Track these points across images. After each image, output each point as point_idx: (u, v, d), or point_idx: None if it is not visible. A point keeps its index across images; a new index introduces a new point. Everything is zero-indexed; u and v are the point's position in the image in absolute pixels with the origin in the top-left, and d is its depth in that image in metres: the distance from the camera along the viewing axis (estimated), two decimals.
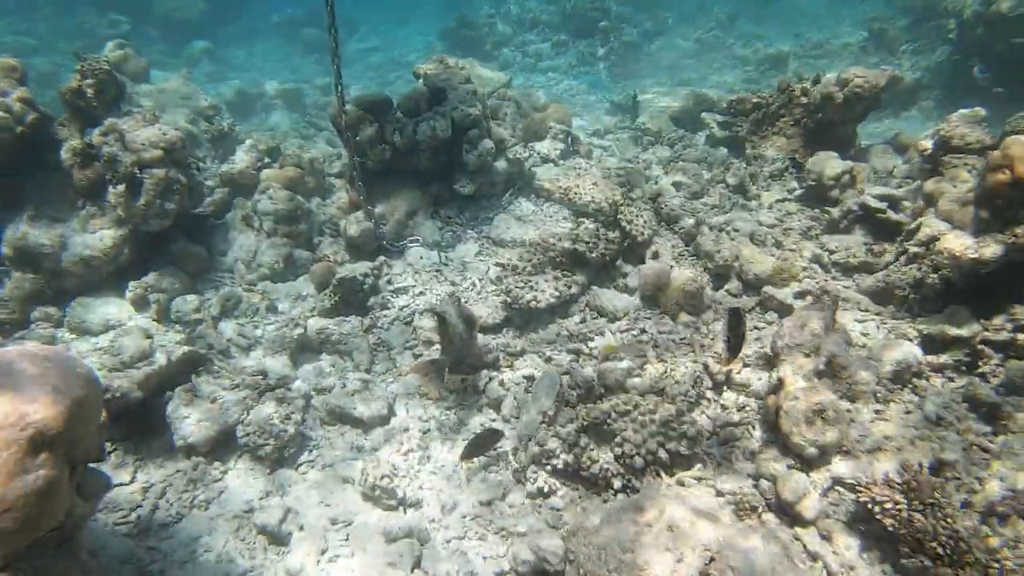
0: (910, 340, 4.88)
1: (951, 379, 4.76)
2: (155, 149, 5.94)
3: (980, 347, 4.65)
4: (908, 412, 4.51)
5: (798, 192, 7.03)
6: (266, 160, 7.59)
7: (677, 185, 7.24)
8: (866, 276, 5.80)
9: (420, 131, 6.76)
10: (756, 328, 5.55)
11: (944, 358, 4.76)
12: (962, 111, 6.19)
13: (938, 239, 5.16)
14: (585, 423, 4.75)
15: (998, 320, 4.63)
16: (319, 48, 18.80)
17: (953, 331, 4.68)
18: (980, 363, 4.67)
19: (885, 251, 5.86)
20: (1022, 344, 4.50)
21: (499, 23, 16.96)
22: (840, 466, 4.10)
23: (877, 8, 14.67)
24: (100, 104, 6.06)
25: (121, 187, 5.87)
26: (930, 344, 4.85)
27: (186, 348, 5.59)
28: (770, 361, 5.09)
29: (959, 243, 4.42)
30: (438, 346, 5.67)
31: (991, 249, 4.30)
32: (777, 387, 4.32)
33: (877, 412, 4.44)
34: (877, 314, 5.45)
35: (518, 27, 17.32)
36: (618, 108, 10.98)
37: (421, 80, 7.42)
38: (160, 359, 5.18)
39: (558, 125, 8.13)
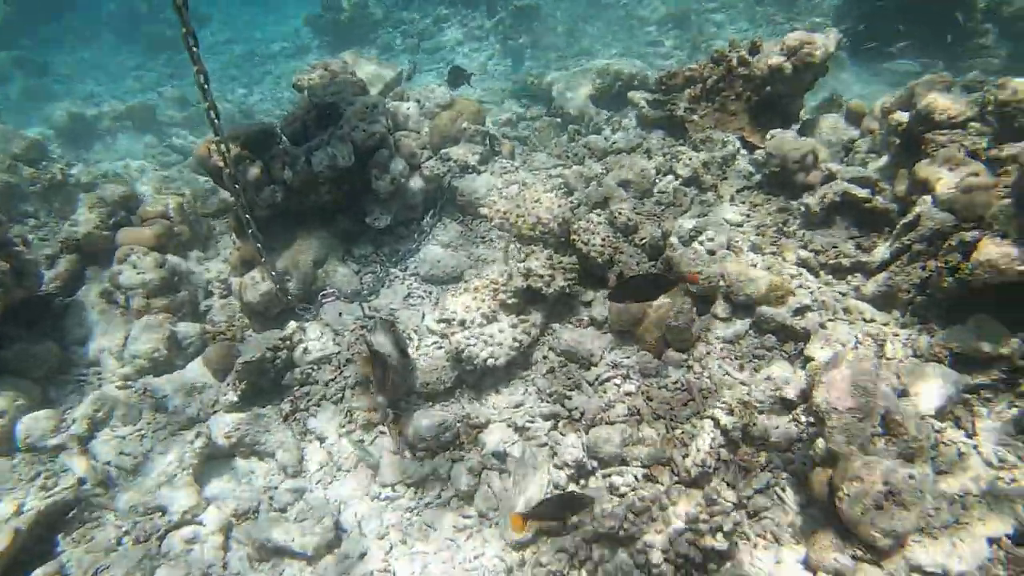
0: (941, 362, 4.21)
1: (988, 400, 4.15)
2: None
3: (1022, 363, 4.04)
4: (963, 455, 3.85)
5: (757, 179, 6.27)
6: (121, 215, 5.98)
7: (624, 184, 6.30)
8: (861, 277, 5.13)
9: (316, 162, 5.42)
10: (755, 358, 4.76)
11: (980, 379, 4.14)
12: (929, 76, 5.58)
13: (947, 237, 4.52)
14: (599, 532, 3.80)
15: None
16: (167, 46, 16.12)
17: (989, 348, 4.04)
18: (1022, 382, 4.08)
19: (875, 244, 5.20)
20: None
21: (371, 3, 15.11)
22: (918, 552, 3.37)
23: None
24: None
25: None
26: (962, 364, 4.21)
27: (43, 502, 4.16)
28: (788, 406, 4.34)
29: (1001, 252, 3.74)
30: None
31: None
32: (828, 461, 3.51)
33: (934, 462, 3.76)
34: (885, 324, 4.79)
35: (393, 4, 15.58)
36: (526, 90, 9.87)
37: (306, 93, 6.02)
38: (1, 538, 3.74)
39: (472, 125, 6.97)
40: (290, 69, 14.41)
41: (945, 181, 4.67)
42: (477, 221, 6.46)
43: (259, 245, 5.14)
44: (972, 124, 5.08)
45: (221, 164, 5.45)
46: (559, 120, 8.41)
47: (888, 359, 4.45)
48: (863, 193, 5.21)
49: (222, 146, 4.76)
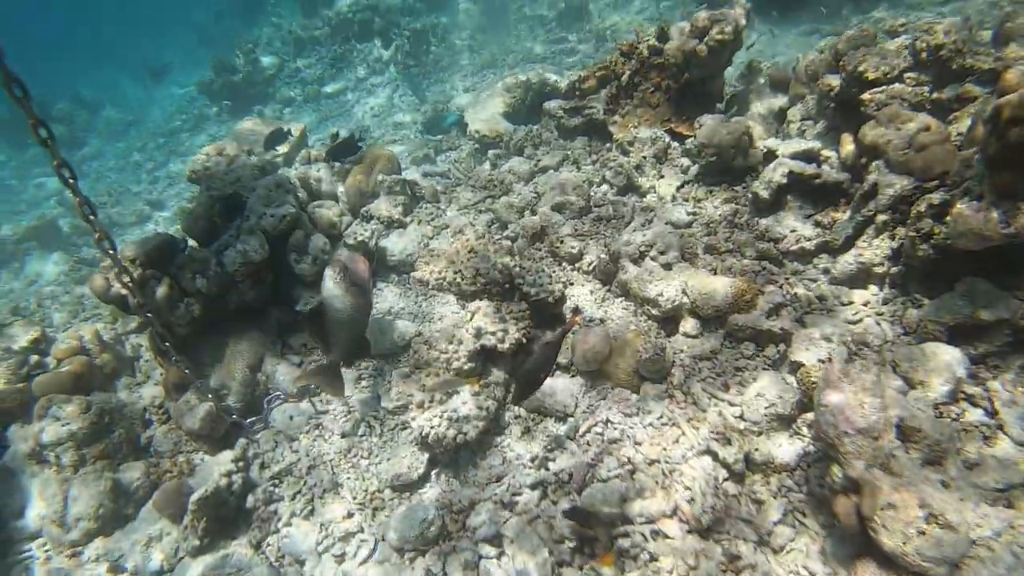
0: (937, 338, 3.86)
1: (996, 367, 3.81)
2: None
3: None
4: (987, 439, 3.50)
5: (694, 171, 5.90)
6: (33, 360, 5.34)
7: (559, 207, 5.86)
8: (828, 257, 4.78)
9: (228, 263, 4.86)
10: (737, 371, 4.36)
11: (984, 348, 3.80)
12: (850, 32, 5.26)
13: (910, 201, 4.20)
14: None
15: None
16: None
17: (988, 315, 3.70)
18: None
19: (834, 220, 4.86)
20: None
21: (261, 58, 14.31)
22: (980, 572, 2.99)
23: None
24: None
25: None
26: (959, 335, 3.86)
27: None
28: (786, 420, 3.94)
29: (980, 217, 3.38)
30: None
31: None
32: (851, 488, 3.11)
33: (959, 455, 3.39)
34: (865, 304, 4.44)
35: (286, 53, 14.80)
36: (436, 120, 9.34)
37: (203, 185, 5.44)
38: None
39: (388, 177, 6.44)
40: (196, 144, 13.63)
41: (895, 143, 4.34)
42: (414, 280, 5.95)
43: (184, 367, 4.55)
44: (908, 75, 4.78)
45: (124, 292, 4.85)
46: (477, 146, 7.94)
47: (880, 344, 4.10)
48: (810, 170, 4.87)
49: (122, 266, 4.17)
